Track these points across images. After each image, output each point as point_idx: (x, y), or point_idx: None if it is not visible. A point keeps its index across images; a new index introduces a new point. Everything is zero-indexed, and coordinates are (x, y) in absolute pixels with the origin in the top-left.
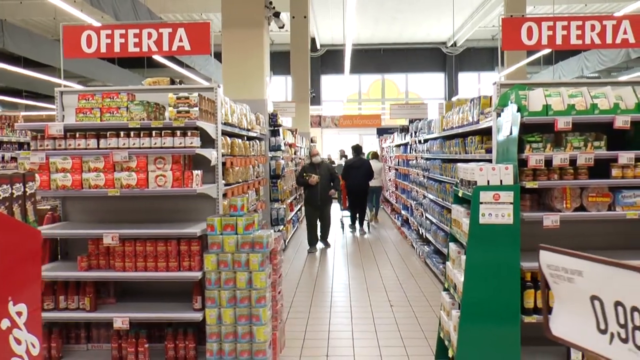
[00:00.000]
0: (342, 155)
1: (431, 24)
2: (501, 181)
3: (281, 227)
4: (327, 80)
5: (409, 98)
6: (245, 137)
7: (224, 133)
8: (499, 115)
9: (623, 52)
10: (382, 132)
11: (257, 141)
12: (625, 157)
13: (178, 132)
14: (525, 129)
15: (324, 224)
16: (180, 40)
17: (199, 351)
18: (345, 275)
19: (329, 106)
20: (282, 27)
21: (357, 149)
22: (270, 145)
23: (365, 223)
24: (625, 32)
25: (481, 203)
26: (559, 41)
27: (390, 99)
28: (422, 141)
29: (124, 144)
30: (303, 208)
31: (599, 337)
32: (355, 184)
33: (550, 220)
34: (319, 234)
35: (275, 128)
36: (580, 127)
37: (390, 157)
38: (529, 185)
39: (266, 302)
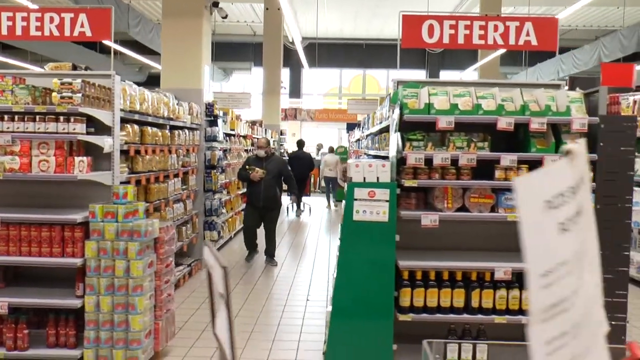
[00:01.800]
0: (319, 148)
1: None
2: (378, 178)
3: (224, 218)
4: (309, 74)
5: (390, 94)
6: (168, 127)
7: (132, 121)
8: (393, 112)
9: (595, 57)
10: (352, 127)
11: (188, 131)
12: (507, 158)
13: (62, 118)
14: (410, 127)
15: (268, 234)
16: (82, 25)
17: (80, 338)
18: (278, 268)
19: (308, 99)
20: (225, 17)
21: (299, 144)
22: (206, 136)
23: (302, 204)
24: (528, 34)
25: (355, 200)
26: (460, 40)
27: (371, 94)
28: (366, 137)
29: (8, 128)
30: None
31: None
32: (297, 172)
33: (428, 219)
34: (260, 243)
35: (213, 118)
36: (469, 127)
37: (352, 152)
38: (408, 183)
39: (143, 292)
